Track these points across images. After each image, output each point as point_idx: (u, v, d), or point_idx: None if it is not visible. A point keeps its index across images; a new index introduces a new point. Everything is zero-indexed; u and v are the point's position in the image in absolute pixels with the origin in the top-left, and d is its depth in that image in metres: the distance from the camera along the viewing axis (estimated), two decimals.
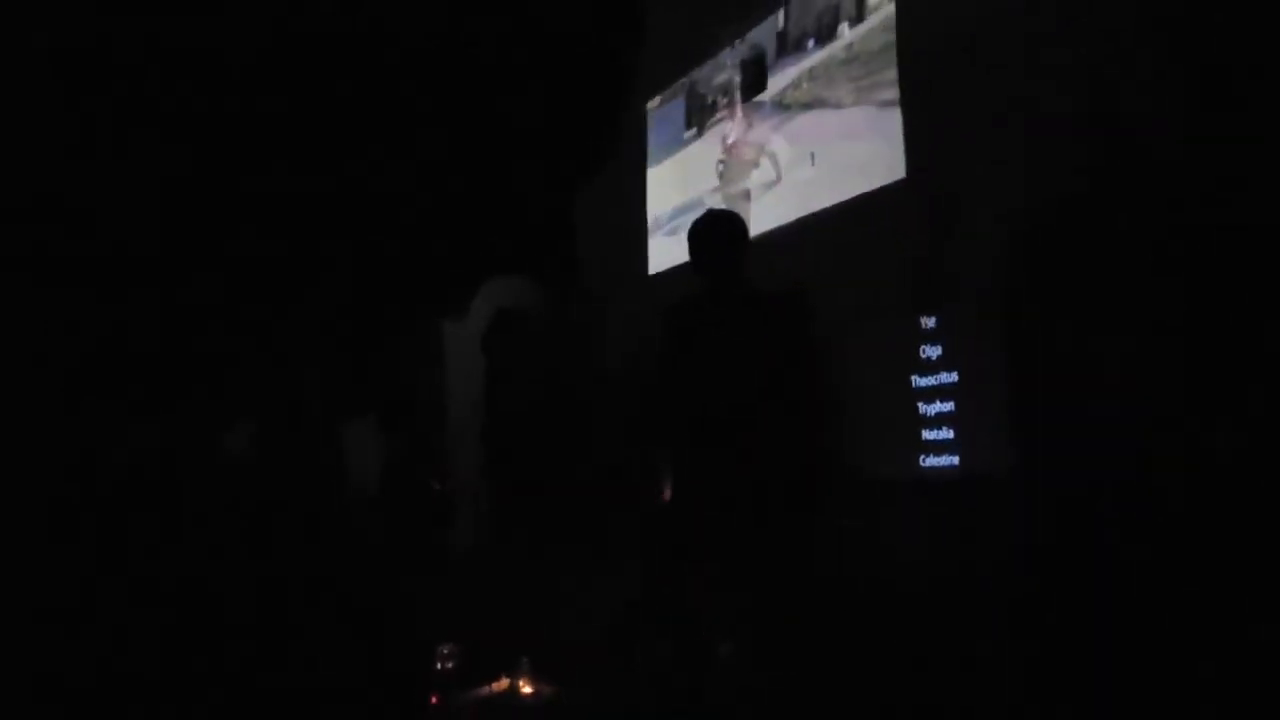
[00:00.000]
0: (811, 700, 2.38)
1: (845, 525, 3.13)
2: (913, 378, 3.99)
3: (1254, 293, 2.82)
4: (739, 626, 2.44)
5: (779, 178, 5.42)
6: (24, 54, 1.72)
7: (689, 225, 2.91)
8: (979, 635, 3.08)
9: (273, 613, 2.05)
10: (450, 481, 5.46)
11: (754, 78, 5.69)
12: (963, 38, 4.07)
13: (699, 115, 6.31)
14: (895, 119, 4.54)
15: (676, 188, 6.40)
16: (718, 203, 5.82)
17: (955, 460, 3.82)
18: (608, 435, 5.45)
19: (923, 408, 3.95)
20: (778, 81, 5.52)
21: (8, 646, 1.77)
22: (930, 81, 4.30)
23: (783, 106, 5.44)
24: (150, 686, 1.88)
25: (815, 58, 5.23)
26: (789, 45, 5.47)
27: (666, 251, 6.22)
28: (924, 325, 3.98)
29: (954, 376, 3.86)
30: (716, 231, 2.70)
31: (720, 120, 6.05)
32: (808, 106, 5.23)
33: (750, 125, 5.71)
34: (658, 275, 6.30)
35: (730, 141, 5.91)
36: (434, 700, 3.04)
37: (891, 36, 4.66)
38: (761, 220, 5.36)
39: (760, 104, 5.65)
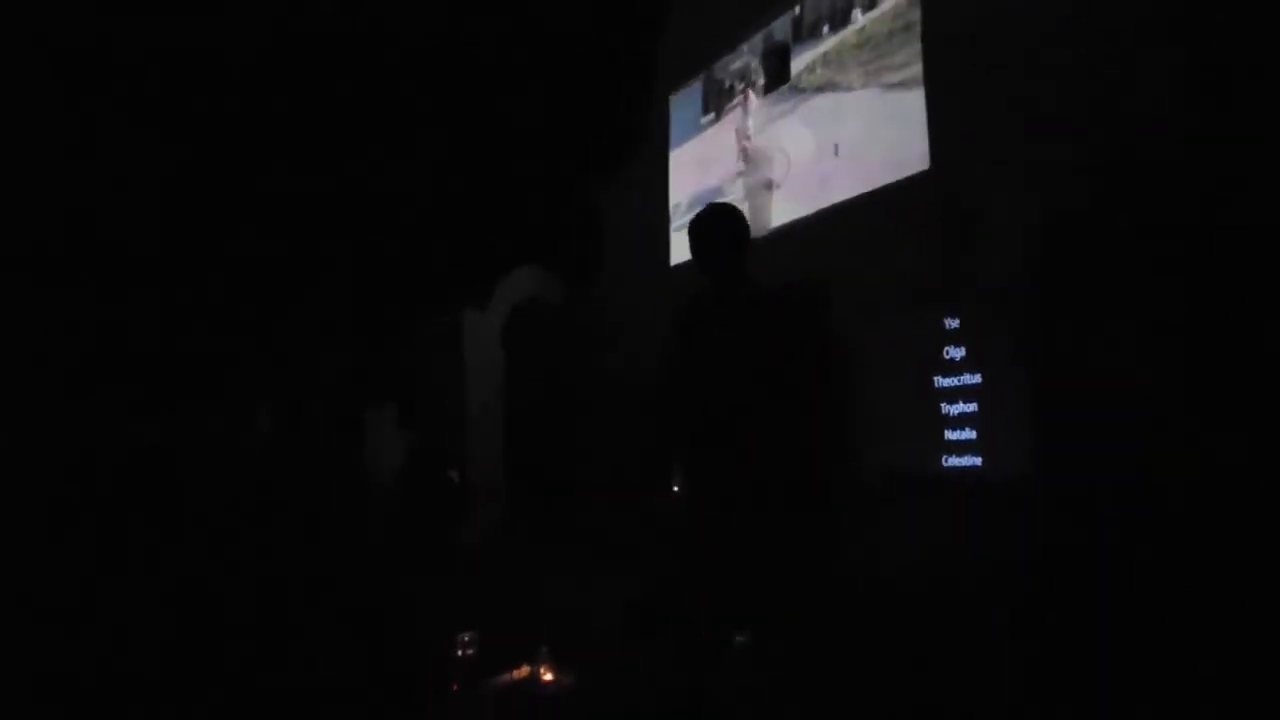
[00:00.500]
0: (812, 701, 2.35)
1: (850, 524, 3.08)
2: (935, 378, 3.97)
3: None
4: (746, 625, 2.40)
5: (797, 166, 5.38)
6: (24, 54, 1.72)
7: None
8: (1002, 635, 3.04)
9: (273, 612, 2.05)
10: (468, 473, 5.47)
11: (776, 69, 5.64)
12: (987, 26, 3.99)
13: (716, 100, 6.25)
14: (912, 105, 4.50)
15: (695, 174, 6.34)
16: (739, 190, 5.78)
17: (978, 461, 3.80)
18: (625, 430, 5.44)
19: (945, 408, 3.93)
20: (794, 67, 5.50)
21: (8, 646, 1.78)
22: (952, 78, 4.23)
23: (798, 90, 5.42)
24: (150, 686, 1.89)
25: (829, 43, 5.21)
26: (804, 31, 5.45)
27: (686, 243, 6.17)
28: (947, 326, 3.94)
29: (977, 378, 3.84)
30: (716, 229, 2.61)
31: (737, 105, 5.99)
32: (820, 90, 5.21)
33: (769, 114, 5.66)
34: (678, 267, 6.25)
35: (749, 129, 5.84)
36: (454, 687, 3.05)
37: (902, 21, 4.63)
38: (782, 211, 5.33)
39: (779, 91, 5.60)
